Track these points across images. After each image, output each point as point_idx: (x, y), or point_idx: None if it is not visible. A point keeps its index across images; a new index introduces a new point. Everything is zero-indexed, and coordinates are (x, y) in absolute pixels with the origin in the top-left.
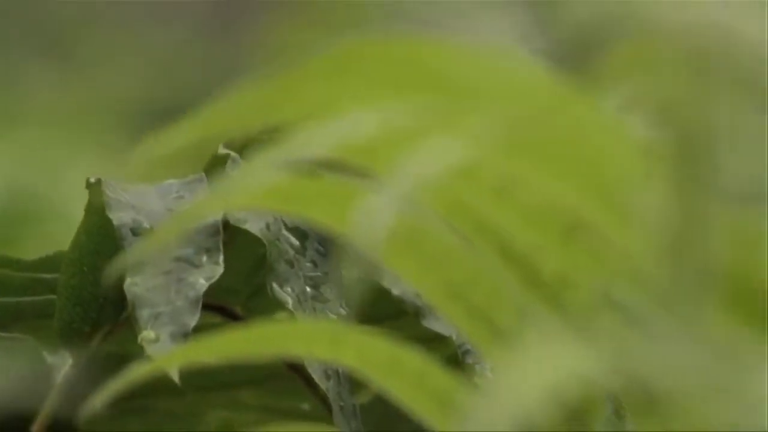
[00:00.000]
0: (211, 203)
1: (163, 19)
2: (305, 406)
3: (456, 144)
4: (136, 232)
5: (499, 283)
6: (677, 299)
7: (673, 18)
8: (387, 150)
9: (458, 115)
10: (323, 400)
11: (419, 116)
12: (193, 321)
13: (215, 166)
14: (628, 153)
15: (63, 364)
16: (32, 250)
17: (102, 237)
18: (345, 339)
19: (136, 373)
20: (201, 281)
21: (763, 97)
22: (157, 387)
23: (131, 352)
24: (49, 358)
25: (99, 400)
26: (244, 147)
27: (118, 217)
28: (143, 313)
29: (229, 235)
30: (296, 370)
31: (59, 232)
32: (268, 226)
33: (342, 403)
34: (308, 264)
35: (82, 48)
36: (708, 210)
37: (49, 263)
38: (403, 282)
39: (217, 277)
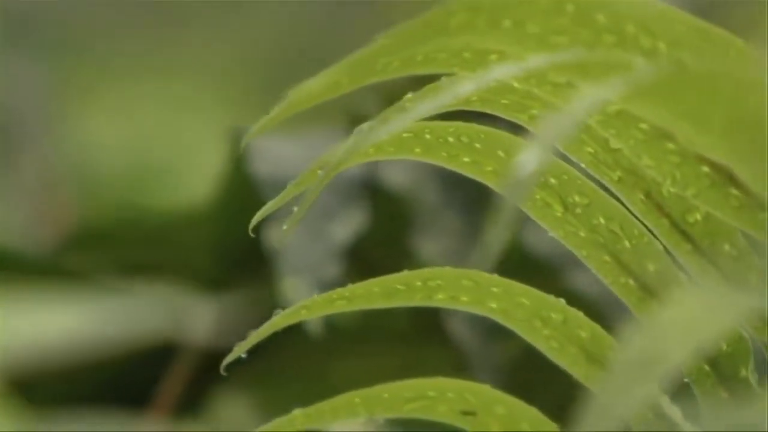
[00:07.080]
0: (353, 152)
1: None
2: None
3: (606, 90)
4: (275, 182)
5: (645, 231)
6: None
7: None
8: (533, 97)
9: (608, 64)
10: (463, 354)
11: (565, 64)
12: (333, 272)
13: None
14: None
15: (200, 312)
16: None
17: (240, 188)
18: (489, 285)
19: (277, 322)
20: (342, 232)
21: None
22: (286, 342)
23: (276, 302)
24: (185, 306)
25: (242, 348)
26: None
27: (258, 167)
28: (283, 264)
29: (373, 190)
30: (434, 325)
31: (188, 183)
32: (411, 179)
33: (483, 356)
34: (453, 217)
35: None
36: None
37: (182, 214)
38: (547, 234)
39: (359, 228)
